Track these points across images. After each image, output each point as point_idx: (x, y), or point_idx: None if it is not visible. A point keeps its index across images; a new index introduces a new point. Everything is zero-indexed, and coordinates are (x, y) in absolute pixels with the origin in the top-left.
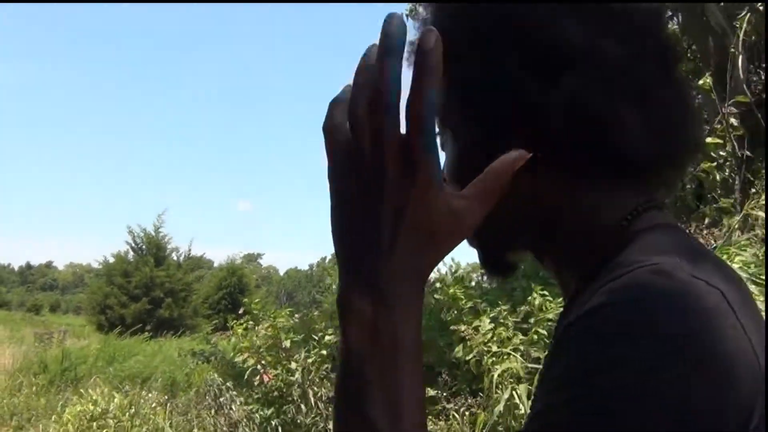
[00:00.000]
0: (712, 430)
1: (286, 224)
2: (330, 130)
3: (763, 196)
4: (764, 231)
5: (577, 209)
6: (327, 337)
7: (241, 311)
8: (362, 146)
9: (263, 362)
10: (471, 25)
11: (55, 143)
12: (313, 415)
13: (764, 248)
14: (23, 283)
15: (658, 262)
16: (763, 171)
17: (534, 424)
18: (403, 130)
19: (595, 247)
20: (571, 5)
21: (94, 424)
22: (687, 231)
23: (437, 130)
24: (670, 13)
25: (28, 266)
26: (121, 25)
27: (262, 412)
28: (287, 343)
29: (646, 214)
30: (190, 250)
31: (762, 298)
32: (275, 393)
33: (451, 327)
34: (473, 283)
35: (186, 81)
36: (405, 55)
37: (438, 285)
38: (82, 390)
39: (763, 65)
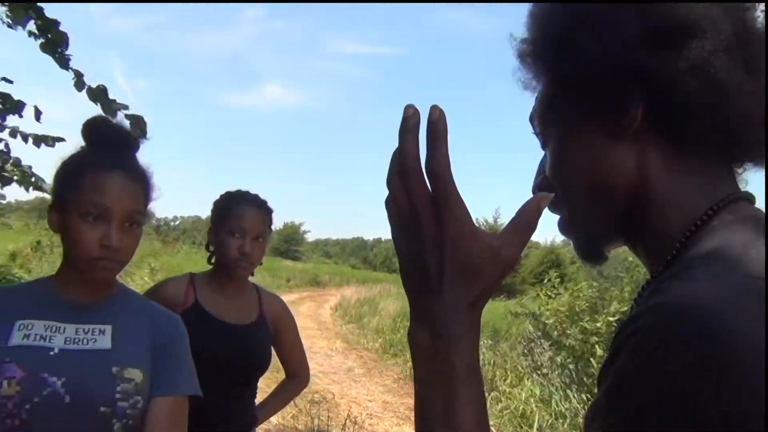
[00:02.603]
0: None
1: None
2: (387, 203)
3: None
4: None
5: (672, 191)
6: (614, 306)
7: (545, 281)
8: (402, 208)
9: (561, 322)
10: (578, 8)
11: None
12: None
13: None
14: None
15: (707, 280)
16: None
17: (590, 412)
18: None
19: (678, 236)
20: None
21: None
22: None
23: (537, 130)
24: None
25: None
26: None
27: (560, 358)
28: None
29: (734, 205)
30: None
31: None
32: (576, 346)
33: None
34: None
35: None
36: (518, 57)
37: None
38: None
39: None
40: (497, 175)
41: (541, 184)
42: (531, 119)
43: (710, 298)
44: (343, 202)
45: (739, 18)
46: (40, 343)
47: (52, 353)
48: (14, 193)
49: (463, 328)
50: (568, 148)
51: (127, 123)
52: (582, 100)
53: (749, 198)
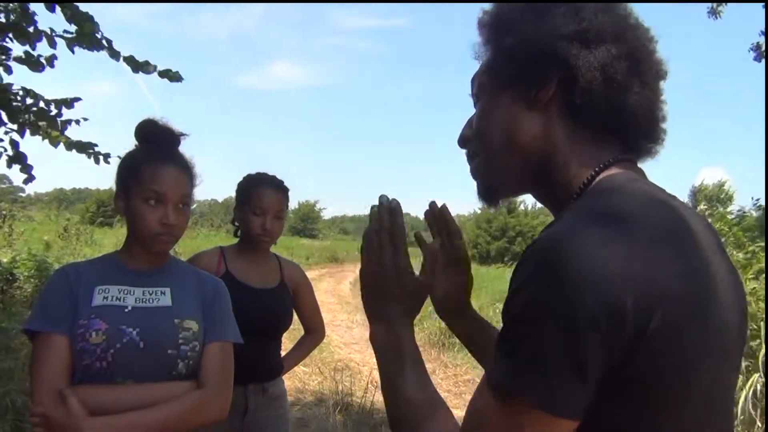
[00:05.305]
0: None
1: None
2: (362, 249)
3: None
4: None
5: (571, 154)
6: None
7: None
8: (375, 252)
9: None
10: (531, 8)
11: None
12: None
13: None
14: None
15: (566, 236)
16: None
17: None
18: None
19: (575, 189)
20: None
21: None
22: (639, 182)
23: (473, 92)
24: None
25: None
26: None
27: None
28: None
29: (617, 165)
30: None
31: None
32: None
33: None
34: None
35: None
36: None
37: None
38: None
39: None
40: None
41: (461, 136)
42: (472, 80)
43: (560, 235)
44: (357, 176)
45: (636, 37)
46: (116, 303)
47: (126, 310)
48: (32, 186)
49: (404, 329)
50: (493, 108)
51: (168, 120)
52: (512, 70)
53: (630, 159)
